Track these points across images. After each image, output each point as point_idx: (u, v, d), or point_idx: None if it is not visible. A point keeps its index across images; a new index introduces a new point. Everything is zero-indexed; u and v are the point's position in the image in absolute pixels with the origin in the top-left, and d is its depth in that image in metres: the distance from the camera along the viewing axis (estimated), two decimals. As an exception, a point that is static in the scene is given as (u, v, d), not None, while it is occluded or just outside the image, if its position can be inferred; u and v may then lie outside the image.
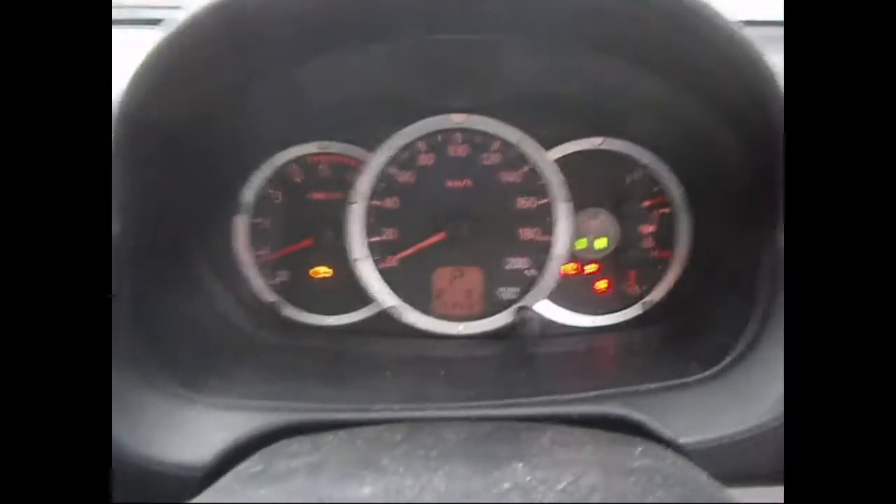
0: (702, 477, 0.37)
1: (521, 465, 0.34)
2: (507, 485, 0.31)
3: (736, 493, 0.54)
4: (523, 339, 0.71)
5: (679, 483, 0.34)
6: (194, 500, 0.35)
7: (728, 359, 0.55)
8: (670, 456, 0.40)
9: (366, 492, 0.31)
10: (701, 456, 0.48)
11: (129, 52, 0.48)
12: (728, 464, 0.50)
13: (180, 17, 0.46)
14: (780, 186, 0.55)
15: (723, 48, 0.46)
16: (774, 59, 0.77)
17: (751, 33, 0.53)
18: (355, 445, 0.41)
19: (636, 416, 0.50)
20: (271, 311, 0.76)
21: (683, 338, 0.66)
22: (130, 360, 0.52)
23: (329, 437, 0.44)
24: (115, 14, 0.99)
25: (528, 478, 0.32)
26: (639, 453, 0.39)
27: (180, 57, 0.47)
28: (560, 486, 0.31)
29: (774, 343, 0.54)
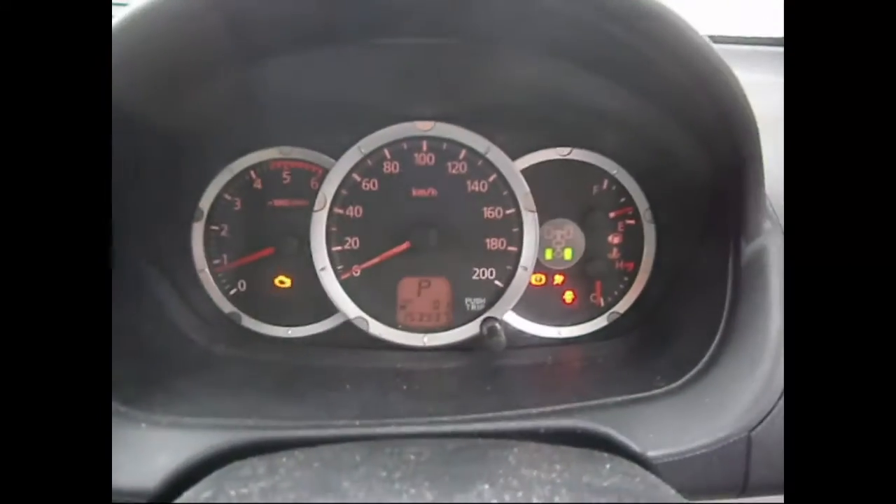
0: (670, 493, 0.37)
1: (487, 486, 0.33)
2: (472, 509, 0.30)
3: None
4: (490, 351, 0.70)
5: (649, 500, 0.33)
6: None
7: (692, 371, 0.55)
8: (639, 473, 0.40)
9: (323, 519, 0.29)
10: (667, 469, 0.48)
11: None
12: (694, 477, 0.49)
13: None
14: (742, 199, 0.56)
15: (692, 61, 0.46)
16: (743, 76, 0.80)
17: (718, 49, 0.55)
18: (312, 467, 0.39)
19: (603, 429, 0.49)
20: (229, 322, 0.73)
21: (649, 350, 0.66)
22: None
23: (284, 459, 0.41)
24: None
25: (496, 501, 0.31)
26: (607, 471, 0.38)
27: (142, 36, 0.44)
28: (527, 510, 0.30)
29: (738, 355, 0.54)
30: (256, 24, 0.48)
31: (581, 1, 0.43)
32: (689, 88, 0.50)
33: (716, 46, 1.01)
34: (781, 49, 1.03)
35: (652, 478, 0.39)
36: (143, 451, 0.46)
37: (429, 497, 0.32)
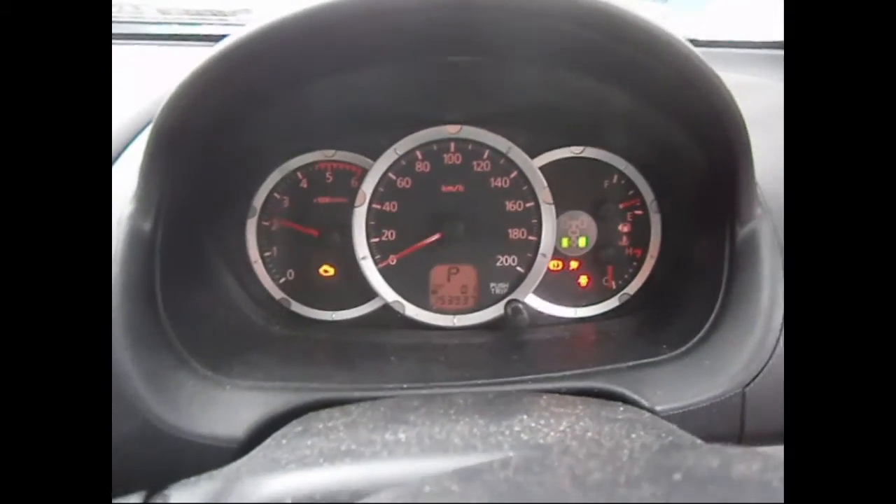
0: (672, 426, 0.45)
1: (525, 416, 0.41)
2: (517, 428, 0.38)
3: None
4: (513, 329, 0.78)
5: (655, 427, 0.41)
6: (255, 451, 0.41)
7: (694, 339, 0.63)
8: (647, 414, 0.48)
9: (402, 437, 0.38)
10: (673, 421, 0.56)
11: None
12: (696, 428, 0.56)
13: (221, 44, 0.52)
14: (735, 188, 0.64)
15: (684, 71, 0.54)
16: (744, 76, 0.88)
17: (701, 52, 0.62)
18: (380, 411, 0.47)
19: (616, 388, 0.57)
20: (280, 307, 0.82)
21: (656, 324, 0.74)
22: (166, 343, 0.57)
23: (354, 407, 0.50)
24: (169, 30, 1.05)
25: (533, 424, 0.39)
26: (621, 410, 0.47)
27: (218, 76, 0.53)
28: (560, 428, 0.38)
29: (733, 324, 0.62)
30: (317, 55, 0.57)
31: (589, 26, 0.51)
32: (684, 93, 0.57)
33: (719, 50, 1.09)
34: (778, 51, 1.10)
35: (657, 418, 0.48)
36: (231, 407, 0.54)
37: (480, 423, 0.40)
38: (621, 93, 0.64)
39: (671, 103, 0.62)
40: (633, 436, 0.38)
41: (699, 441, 0.40)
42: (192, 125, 0.57)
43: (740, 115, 0.58)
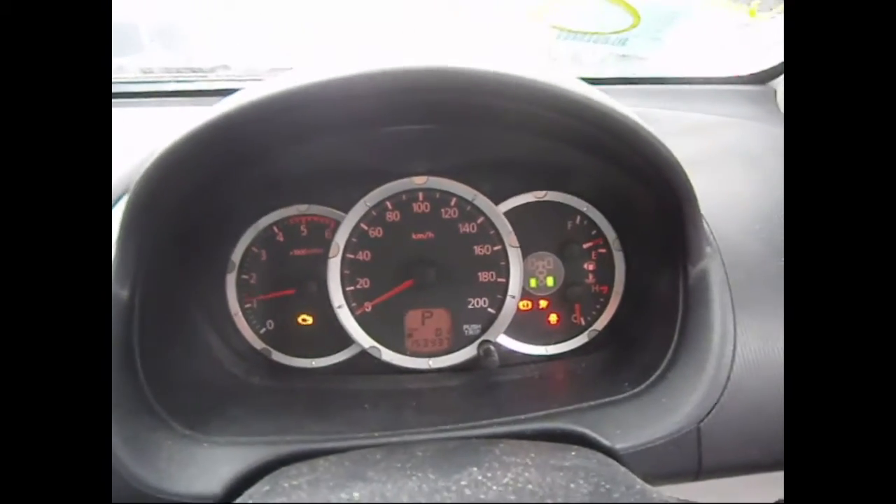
0: (620, 470, 0.47)
1: (475, 468, 0.44)
2: (463, 482, 0.41)
3: (674, 488, 0.65)
4: (486, 369, 0.81)
5: (598, 475, 0.44)
6: None
7: (652, 377, 0.66)
8: (597, 456, 0.50)
9: (356, 495, 0.41)
10: (633, 459, 0.58)
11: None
12: (656, 464, 0.60)
13: (193, 122, 0.56)
14: (684, 229, 0.67)
15: (625, 135, 0.59)
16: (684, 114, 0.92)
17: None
18: (344, 465, 0.50)
19: (578, 428, 0.60)
20: (261, 357, 0.84)
21: (619, 361, 0.76)
22: (145, 406, 0.60)
23: (322, 461, 0.52)
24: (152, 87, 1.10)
25: (480, 477, 0.42)
26: (572, 455, 0.49)
27: (191, 152, 0.57)
28: (504, 481, 0.41)
29: (687, 362, 0.65)
30: (288, 128, 0.61)
31: (534, 103, 0.56)
32: (626, 152, 0.62)
33: (676, 87, 1.14)
34: (733, 86, 1.15)
35: (608, 460, 0.50)
36: (208, 464, 0.57)
37: (431, 478, 0.43)
38: (573, 150, 0.69)
39: (617, 158, 0.66)
40: (572, 486, 0.41)
41: (638, 486, 0.43)
42: (168, 194, 0.61)
43: (680, 168, 0.62)
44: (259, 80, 0.60)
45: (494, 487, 0.40)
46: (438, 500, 0.37)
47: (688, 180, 0.63)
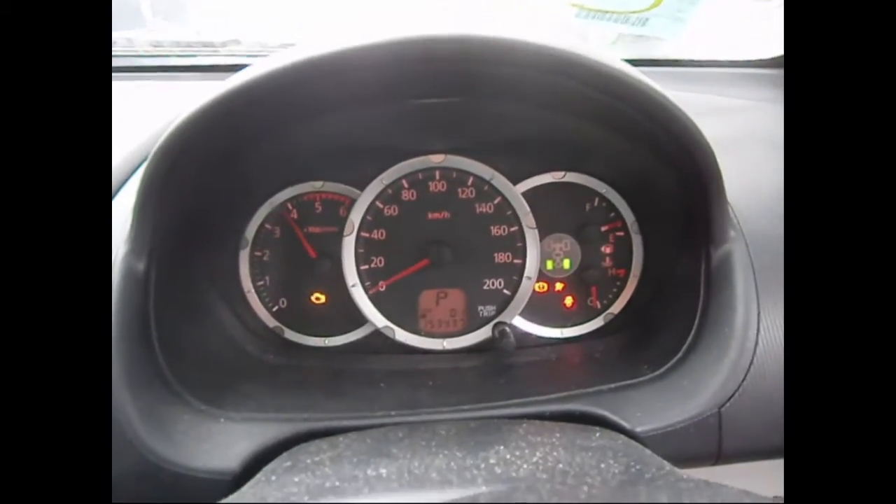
0: (646, 452, 0.47)
1: (502, 447, 0.43)
2: (492, 460, 0.40)
3: (690, 472, 0.64)
4: (501, 351, 0.80)
5: (626, 455, 0.43)
6: (245, 488, 0.43)
7: (672, 360, 0.65)
8: (622, 438, 0.50)
9: (382, 472, 0.40)
10: (653, 442, 0.58)
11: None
12: (676, 448, 0.59)
13: (214, 91, 0.55)
14: (707, 211, 0.66)
15: (648, 108, 0.57)
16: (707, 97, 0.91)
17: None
18: (366, 443, 0.49)
19: (598, 411, 0.59)
20: (274, 335, 0.84)
21: (638, 344, 0.76)
22: (161, 380, 0.59)
23: (341, 438, 0.52)
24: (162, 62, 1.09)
25: (508, 456, 0.41)
26: (596, 437, 0.49)
27: (210, 122, 0.55)
28: (534, 459, 0.40)
29: (709, 345, 0.64)
30: (304, 101, 0.60)
31: (558, 73, 0.54)
32: (653, 129, 0.60)
33: (698, 70, 1.12)
34: (756, 70, 1.13)
35: (633, 443, 0.50)
36: (225, 440, 0.56)
37: (458, 456, 0.42)
38: (595, 127, 0.67)
39: (642, 136, 0.64)
40: (602, 465, 0.40)
41: (667, 468, 0.42)
42: (184, 167, 0.60)
43: (707, 146, 0.60)
44: (270, 54, 0.59)
45: (525, 466, 0.39)
46: (469, 478, 0.36)
47: (715, 160, 0.62)
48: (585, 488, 0.28)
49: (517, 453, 0.42)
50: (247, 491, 0.43)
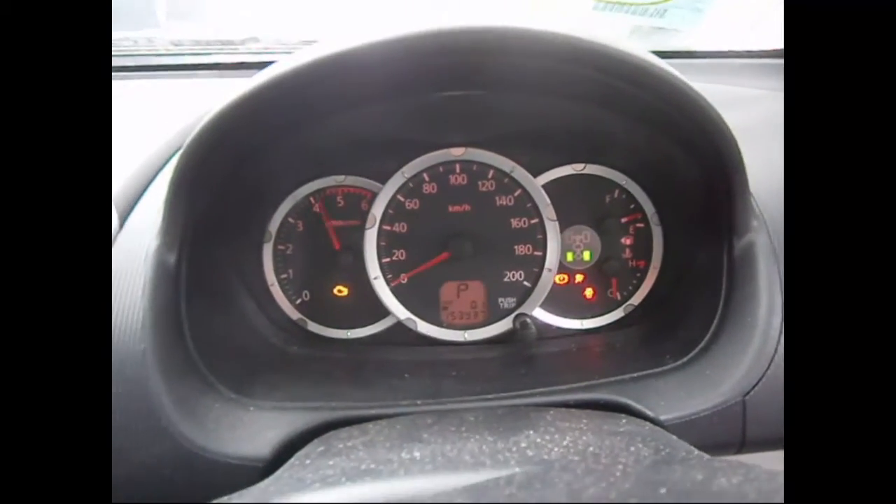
0: (672, 437, 0.47)
1: (532, 432, 0.44)
2: (523, 444, 0.41)
3: (730, 459, 0.65)
4: (522, 342, 0.81)
5: (654, 440, 0.44)
6: (280, 471, 0.44)
7: (696, 350, 0.65)
8: (648, 425, 0.50)
9: (416, 455, 0.41)
10: (677, 430, 0.58)
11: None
12: (700, 436, 0.59)
13: (243, 87, 0.56)
14: (731, 201, 0.66)
15: (670, 96, 0.57)
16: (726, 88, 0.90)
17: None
18: (396, 429, 0.50)
19: (622, 399, 0.60)
20: (297, 327, 0.85)
21: (659, 334, 0.76)
22: (193, 369, 0.61)
23: (371, 425, 0.53)
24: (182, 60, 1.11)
25: (539, 440, 0.42)
26: (623, 423, 0.49)
27: (243, 118, 0.56)
28: (564, 443, 0.41)
29: (733, 335, 0.64)
30: (330, 95, 0.60)
31: (580, 64, 0.54)
32: (675, 117, 0.60)
33: (717, 61, 1.11)
34: (775, 60, 1.12)
35: (658, 429, 0.50)
36: (256, 428, 0.58)
37: (489, 440, 0.43)
38: (616, 117, 0.67)
39: (664, 126, 0.65)
40: (632, 448, 0.41)
41: (696, 452, 0.43)
42: (214, 162, 0.61)
43: (731, 135, 0.60)
44: (290, 51, 0.59)
45: (556, 449, 0.40)
46: (502, 460, 0.37)
47: (738, 150, 0.62)
48: (620, 467, 0.29)
49: (547, 437, 0.42)
50: (283, 474, 0.44)
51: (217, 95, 0.58)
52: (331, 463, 0.43)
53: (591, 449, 0.39)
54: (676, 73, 0.57)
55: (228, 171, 0.66)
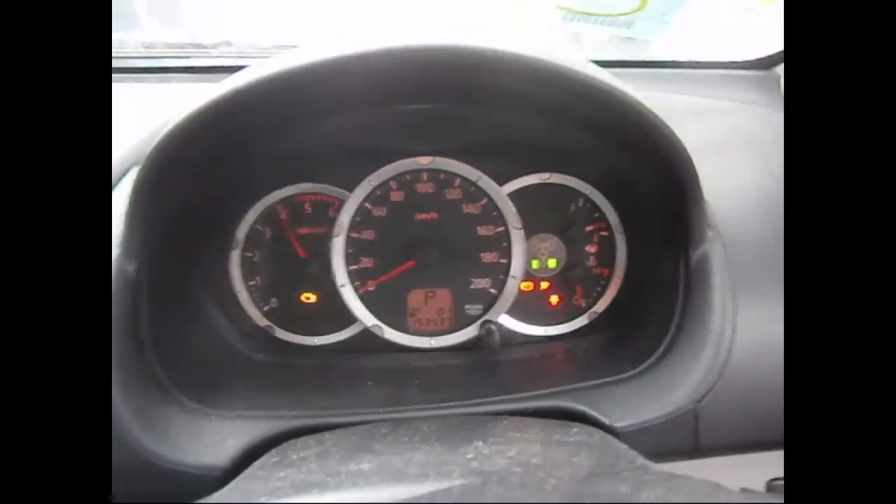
0: (621, 446, 0.49)
1: (481, 443, 0.45)
2: (469, 455, 0.42)
3: (670, 466, 0.66)
4: (488, 349, 0.82)
5: (601, 449, 0.45)
6: (233, 482, 0.44)
7: (651, 359, 0.67)
8: (598, 433, 0.52)
9: (364, 467, 0.42)
10: (630, 437, 0.60)
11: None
12: (651, 443, 0.60)
13: (205, 97, 0.56)
14: (686, 213, 0.68)
15: (629, 116, 0.59)
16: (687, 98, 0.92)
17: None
18: (351, 439, 0.51)
19: (579, 407, 0.61)
20: (264, 334, 0.85)
21: (619, 342, 0.78)
22: (153, 380, 0.61)
23: (327, 435, 0.53)
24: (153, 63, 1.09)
25: (486, 450, 0.43)
26: (574, 432, 0.50)
27: (206, 126, 0.57)
28: (510, 454, 0.42)
29: (687, 344, 0.66)
30: (296, 106, 0.61)
31: (541, 83, 0.56)
32: (631, 133, 0.62)
33: (681, 71, 1.13)
34: (738, 71, 1.15)
35: (609, 437, 0.52)
36: (215, 437, 0.58)
37: (438, 450, 0.44)
38: (578, 131, 0.69)
39: (622, 140, 0.66)
40: (575, 460, 0.42)
41: (640, 461, 0.44)
42: (175, 172, 0.61)
43: (684, 150, 0.62)
44: (263, 56, 0.60)
45: (501, 460, 0.41)
46: (445, 472, 0.38)
47: (692, 163, 0.63)
48: (553, 480, 0.30)
49: (495, 448, 0.43)
50: (235, 485, 0.44)
51: (188, 100, 0.58)
52: (281, 475, 0.43)
53: (534, 460, 0.40)
54: (627, 89, 0.58)
55: (192, 179, 0.66)
